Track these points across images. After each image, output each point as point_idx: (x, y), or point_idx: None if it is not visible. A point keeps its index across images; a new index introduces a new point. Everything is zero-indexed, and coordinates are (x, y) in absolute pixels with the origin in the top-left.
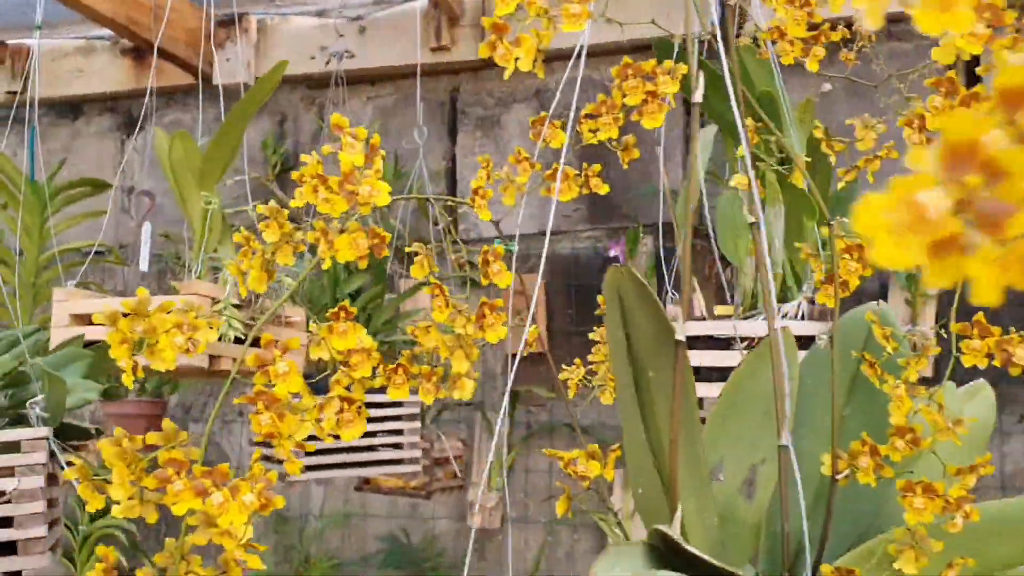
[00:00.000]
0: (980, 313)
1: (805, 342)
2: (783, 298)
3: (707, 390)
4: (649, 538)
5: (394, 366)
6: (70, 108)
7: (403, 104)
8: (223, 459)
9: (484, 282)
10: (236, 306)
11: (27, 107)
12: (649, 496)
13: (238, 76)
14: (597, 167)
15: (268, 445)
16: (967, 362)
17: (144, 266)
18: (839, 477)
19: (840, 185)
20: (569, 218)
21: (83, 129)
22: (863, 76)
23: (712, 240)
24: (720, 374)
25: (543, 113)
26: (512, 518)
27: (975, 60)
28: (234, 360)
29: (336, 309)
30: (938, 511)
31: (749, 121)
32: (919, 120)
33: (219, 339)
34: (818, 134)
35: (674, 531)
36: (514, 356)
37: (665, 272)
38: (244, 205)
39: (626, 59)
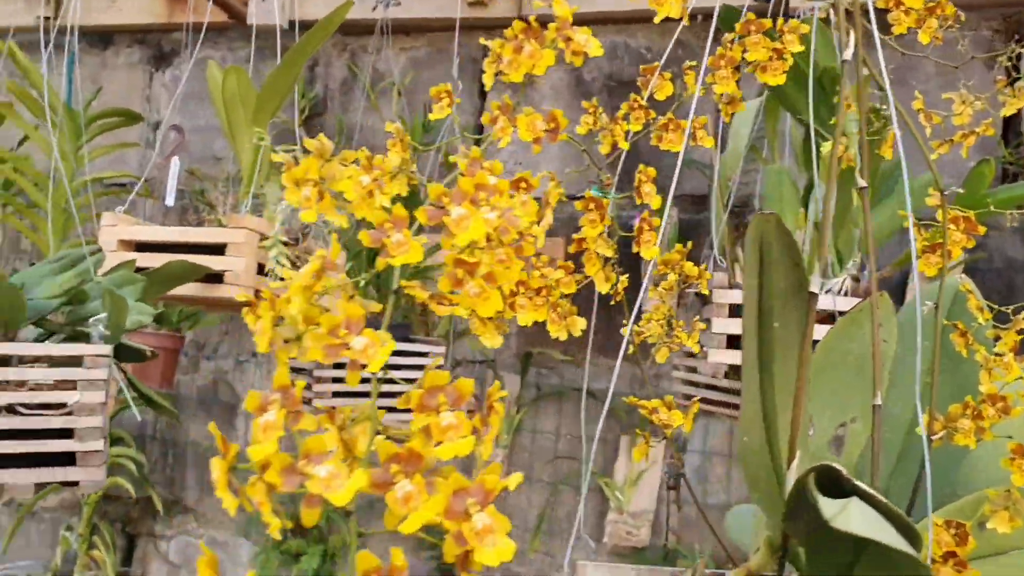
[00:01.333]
0: None
1: None
2: (826, 274)
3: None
4: (807, 474)
5: (516, 289)
6: (100, 38)
7: (437, 57)
8: (235, 398)
9: (635, 250)
10: (284, 243)
11: (66, 34)
12: (753, 447)
13: (272, 17)
14: (704, 119)
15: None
16: None
17: (170, 200)
18: (935, 438)
19: (933, 156)
20: (594, 184)
21: (112, 60)
22: (944, 57)
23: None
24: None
25: (652, 65)
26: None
27: None
28: None
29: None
30: None
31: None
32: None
33: (265, 274)
34: (917, 105)
35: (839, 467)
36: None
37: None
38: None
39: (750, 15)
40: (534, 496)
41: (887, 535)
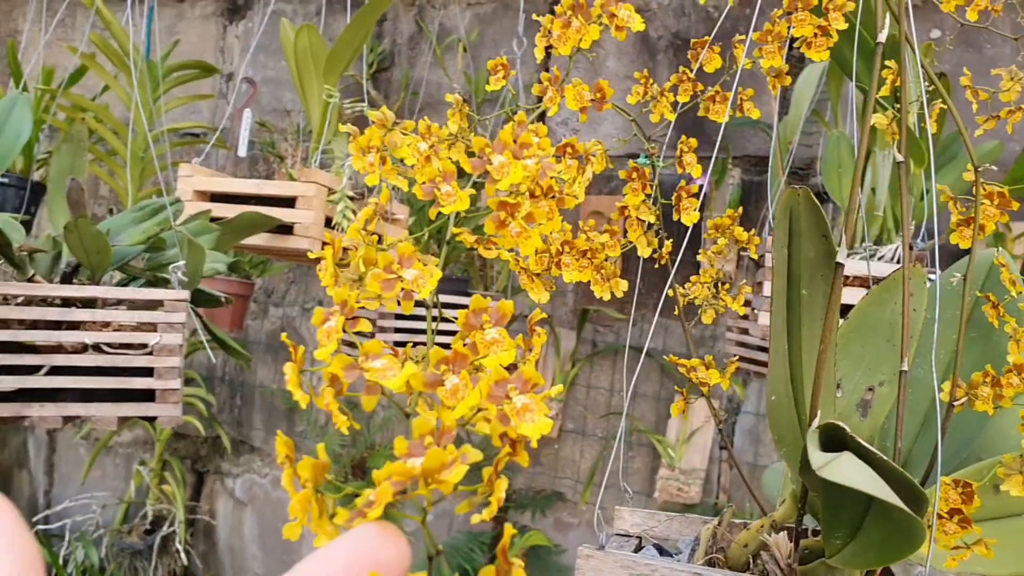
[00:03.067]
0: None
1: None
2: (879, 241)
3: None
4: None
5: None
6: None
7: (502, 13)
8: (300, 344)
9: (675, 217)
10: (350, 198)
11: None
12: (780, 404)
13: None
14: (751, 91)
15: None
16: None
17: (242, 151)
18: (956, 404)
19: (978, 132)
20: (656, 144)
21: (188, 12)
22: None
23: (806, 179)
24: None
25: (704, 37)
26: (568, 429)
27: None
28: (345, 249)
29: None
30: None
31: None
32: None
33: (332, 227)
34: (964, 81)
35: (844, 425)
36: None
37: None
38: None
39: None
40: (587, 449)
41: (875, 487)
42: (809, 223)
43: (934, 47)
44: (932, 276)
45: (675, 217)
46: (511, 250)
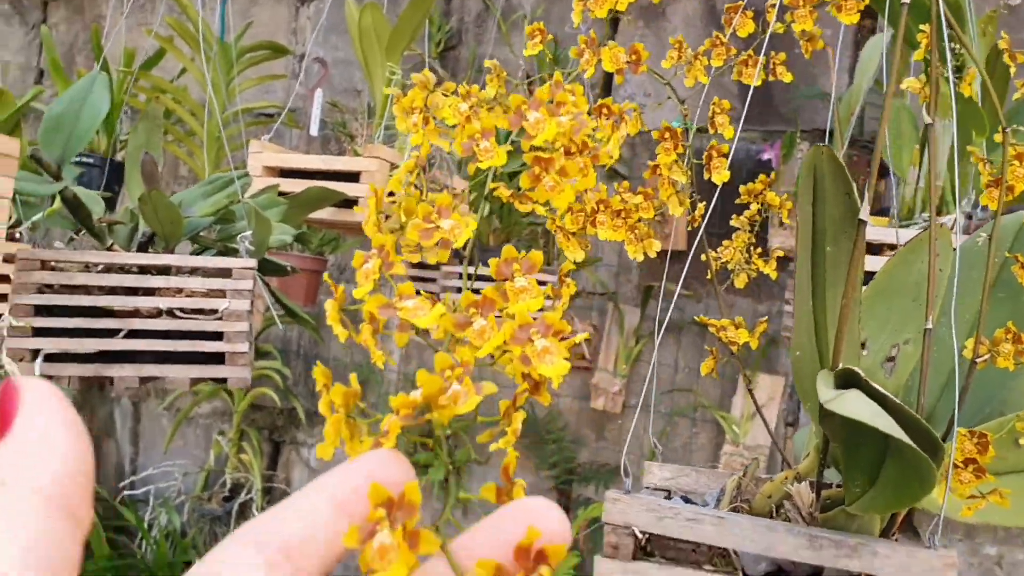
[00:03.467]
0: None
1: None
2: (939, 211)
3: None
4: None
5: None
6: None
7: None
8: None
9: (706, 176)
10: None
11: None
12: (805, 359)
13: None
14: (783, 55)
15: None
16: None
17: (314, 130)
18: (979, 360)
19: (1016, 96)
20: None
21: None
22: None
23: (870, 150)
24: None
25: (736, 3)
26: (632, 404)
27: None
28: None
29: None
30: None
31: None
32: None
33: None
34: (1003, 45)
35: (857, 369)
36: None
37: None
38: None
39: None
40: (649, 425)
41: (880, 421)
42: (833, 182)
43: (998, 12)
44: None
45: (705, 176)
46: (545, 204)
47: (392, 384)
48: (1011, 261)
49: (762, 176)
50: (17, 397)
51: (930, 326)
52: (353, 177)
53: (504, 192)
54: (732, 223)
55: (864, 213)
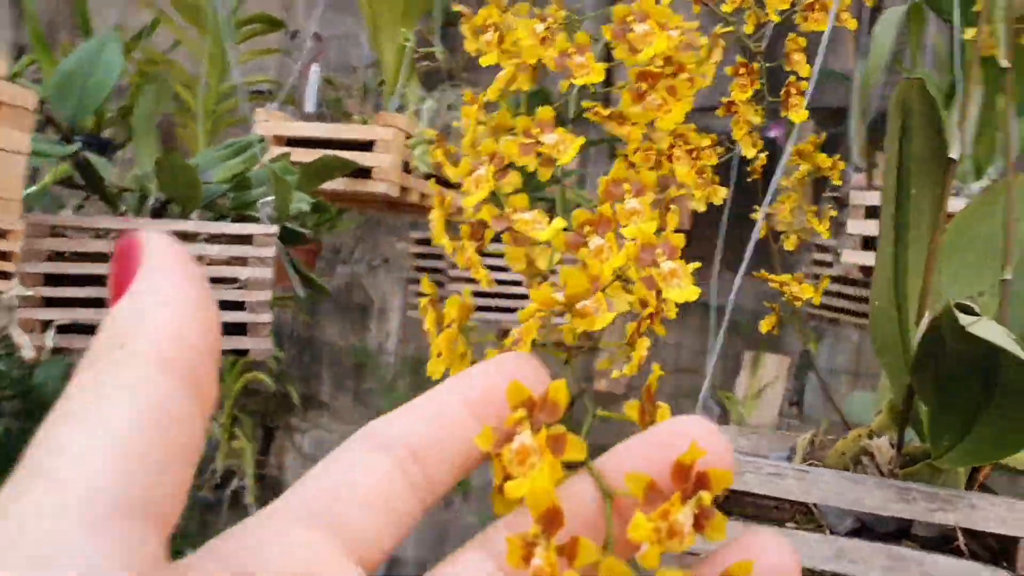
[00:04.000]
0: None
1: None
2: (964, 181)
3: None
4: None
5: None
6: None
7: None
8: (367, 301)
9: (783, 113)
10: (429, 142)
11: None
12: (883, 310)
13: None
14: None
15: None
16: None
17: (310, 107)
18: None
19: None
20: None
21: None
22: None
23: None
24: None
25: None
26: (636, 386)
27: None
28: (422, 195)
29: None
30: None
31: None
32: None
33: (409, 171)
34: None
35: (972, 303)
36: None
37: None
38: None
39: None
40: None
41: (1016, 347)
42: (921, 117)
43: None
44: None
45: (783, 113)
46: (648, 125)
47: (391, 368)
48: None
49: (812, 136)
50: (139, 252)
51: (1008, 276)
52: (366, 147)
53: (603, 111)
54: (782, 183)
55: (955, 151)
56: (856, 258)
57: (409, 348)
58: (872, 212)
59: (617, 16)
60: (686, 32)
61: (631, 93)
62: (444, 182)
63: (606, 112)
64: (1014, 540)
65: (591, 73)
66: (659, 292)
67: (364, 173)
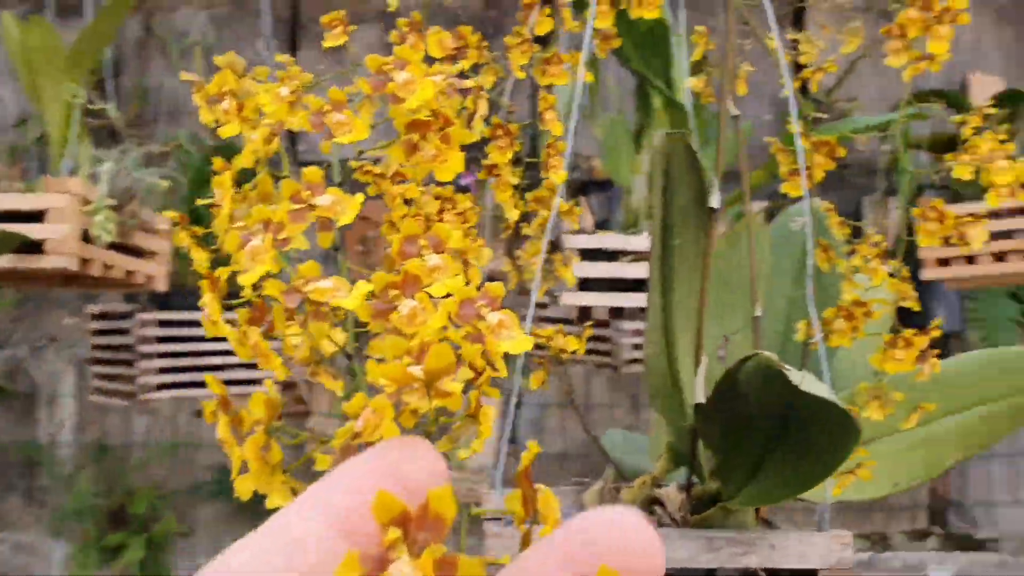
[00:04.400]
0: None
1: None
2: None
3: (595, 299)
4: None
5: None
6: None
7: (239, 15)
8: (33, 389)
9: (543, 175)
10: (111, 208)
11: None
12: (654, 354)
13: None
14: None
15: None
16: (923, 243)
17: None
18: (811, 342)
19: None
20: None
21: None
22: None
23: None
24: (608, 284)
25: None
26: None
27: None
28: (106, 266)
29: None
30: (913, 361)
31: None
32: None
33: (90, 241)
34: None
35: (773, 355)
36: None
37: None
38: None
39: None
40: None
41: (840, 403)
42: (683, 171)
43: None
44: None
45: (542, 175)
46: (423, 184)
47: (69, 460)
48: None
49: (547, 182)
50: None
51: (759, 313)
52: (35, 218)
53: (374, 169)
54: (524, 231)
55: (714, 202)
56: (574, 300)
57: (89, 435)
58: (589, 255)
59: (372, 66)
60: (448, 76)
61: (403, 146)
62: (128, 250)
63: (377, 170)
64: (812, 572)
65: (353, 130)
66: (485, 351)
67: (34, 247)
